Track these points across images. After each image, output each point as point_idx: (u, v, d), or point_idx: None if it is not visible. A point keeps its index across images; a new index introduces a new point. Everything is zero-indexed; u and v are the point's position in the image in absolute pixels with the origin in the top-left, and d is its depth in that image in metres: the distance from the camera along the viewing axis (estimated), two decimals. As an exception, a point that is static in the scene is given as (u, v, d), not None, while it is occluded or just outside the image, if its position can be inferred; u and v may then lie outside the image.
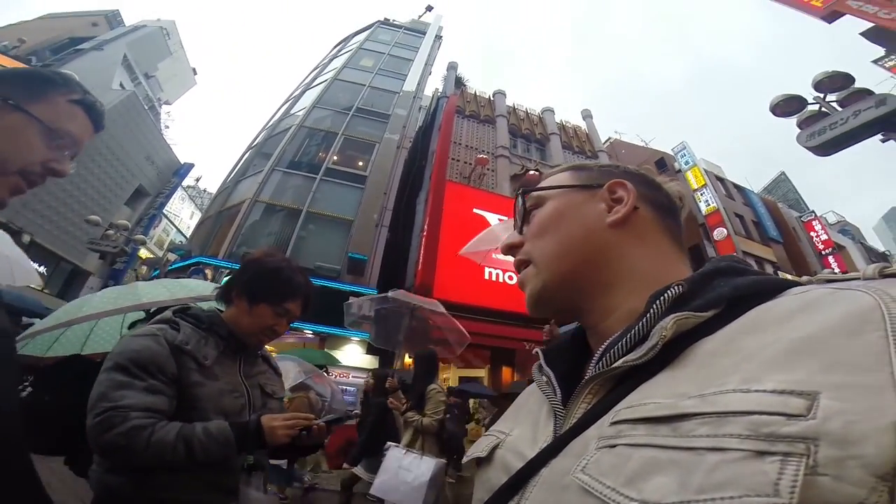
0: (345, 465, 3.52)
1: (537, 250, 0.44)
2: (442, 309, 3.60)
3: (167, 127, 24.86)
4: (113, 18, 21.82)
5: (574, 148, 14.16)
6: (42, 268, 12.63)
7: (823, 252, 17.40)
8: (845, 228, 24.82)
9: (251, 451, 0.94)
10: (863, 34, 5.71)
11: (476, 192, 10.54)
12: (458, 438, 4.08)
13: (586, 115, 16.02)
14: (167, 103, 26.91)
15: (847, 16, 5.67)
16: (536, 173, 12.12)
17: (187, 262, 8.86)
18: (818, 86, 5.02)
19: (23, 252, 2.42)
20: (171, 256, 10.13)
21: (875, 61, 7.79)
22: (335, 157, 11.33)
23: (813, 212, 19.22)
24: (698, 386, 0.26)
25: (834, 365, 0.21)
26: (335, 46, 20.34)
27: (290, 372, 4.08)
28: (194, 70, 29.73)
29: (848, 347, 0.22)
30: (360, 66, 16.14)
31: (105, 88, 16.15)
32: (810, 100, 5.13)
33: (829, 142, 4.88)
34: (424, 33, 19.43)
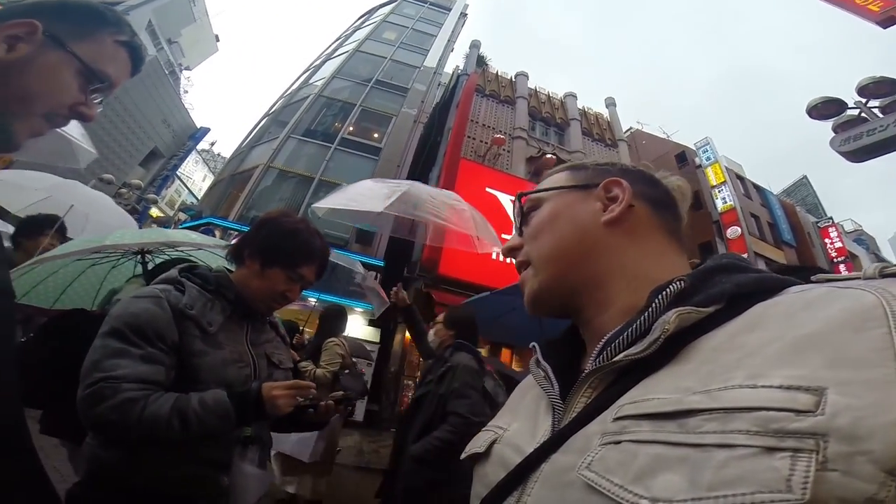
0: None
1: (534, 251, 0.44)
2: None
3: (186, 92, 24.82)
4: (142, -17, 21.47)
5: (594, 135, 13.86)
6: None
7: (835, 259, 17.12)
8: (861, 238, 24.28)
9: (250, 423, 0.89)
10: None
11: (490, 172, 10.44)
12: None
13: (609, 103, 15.60)
14: (188, 69, 26.76)
15: None
16: (553, 157, 11.95)
17: (197, 223, 8.98)
18: (862, 90, 4.84)
19: (85, 133, 2.43)
20: (182, 216, 10.28)
21: (930, 70, 7.49)
22: (351, 128, 11.29)
23: (830, 218, 18.81)
24: (702, 381, 0.26)
25: (839, 360, 0.21)
26: (359, 18, 19.99)
27: None
28: (217, 37, 29.41)
29: (852, 343, 0.22)
30: (382, 39, 15.91)
31: None
32: (850, 104, 4.97)
33: (863, 148, 4.73)
34: (449, 10, 18.94)
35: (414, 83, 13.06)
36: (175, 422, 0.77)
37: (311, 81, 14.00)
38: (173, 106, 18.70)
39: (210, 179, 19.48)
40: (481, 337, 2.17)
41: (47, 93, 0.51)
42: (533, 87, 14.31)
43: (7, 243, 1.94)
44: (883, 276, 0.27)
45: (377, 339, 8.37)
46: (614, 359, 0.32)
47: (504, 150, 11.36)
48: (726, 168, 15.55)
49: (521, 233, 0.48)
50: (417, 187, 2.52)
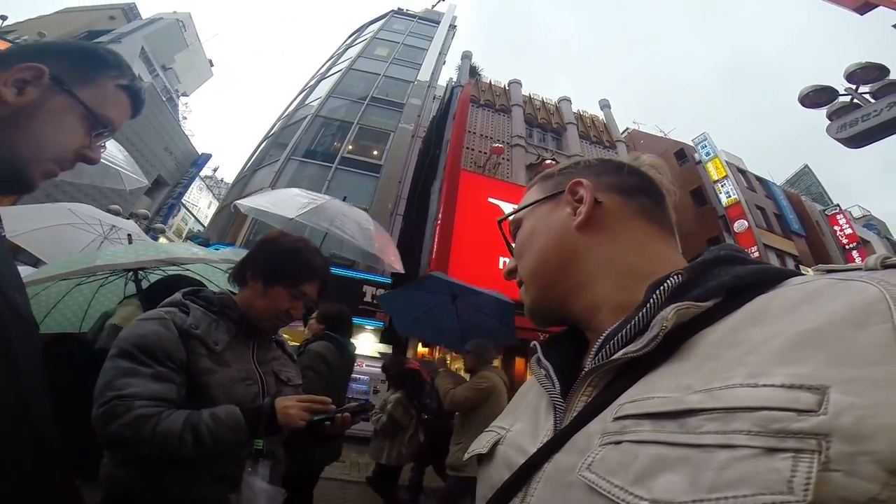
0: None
1: (522, 269, 0.45)
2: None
3: (185, 118, 25.27)
4: (129, 11, 22.08)
5: (591, 138, 13.90)
6: (67, 254, 13.06)
7: (847, 246, 16.90)
8: (870, 223, 23.96)
9: (263, 437, 0.89)
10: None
11: (491, 181, 10.45)
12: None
13: (604, 105, 15.69)
14: (184, 94, 27.27)
15: (879, 8, 5.36)
16: (553, 162, 11.96)
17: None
18: (851, 77, 4.82)
19: (131, 158, 2.47)
20: (190, 244, 10.35)
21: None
22: (350, 147, 11.36)
23: (837, 205, 18.63)
24: (703, 379, 0.25)
25: (842, 358, 0.21)
26: (350, 36, 20.31)
27: None
28: (210, 62, 30.06)
29: (855, 340, 0.21)
30: (374, 56, 16.11)
31: None
32: (841, 91, 4.96)
33: (860, 134, 4.70)
34: (438, 22, 19.23)
35: (409, 98, 13.17)
36: (188, 436, 0.77)
37: (307, 102, 14.14)
38: (174, 133, 18.97)
39: (215, 206, 19.70)
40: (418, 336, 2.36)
41: (54, 137, 0.52)
42: (527, 94, 14.43)
43: None
44: (885, 266, 0.26)
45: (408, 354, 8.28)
46: (613, 357, 0.31)
47: (504, 158, 11.40)
48: (726, 162, 15.53)
49: (512, 254, 0.49)
50: (334, 203, 2.83)
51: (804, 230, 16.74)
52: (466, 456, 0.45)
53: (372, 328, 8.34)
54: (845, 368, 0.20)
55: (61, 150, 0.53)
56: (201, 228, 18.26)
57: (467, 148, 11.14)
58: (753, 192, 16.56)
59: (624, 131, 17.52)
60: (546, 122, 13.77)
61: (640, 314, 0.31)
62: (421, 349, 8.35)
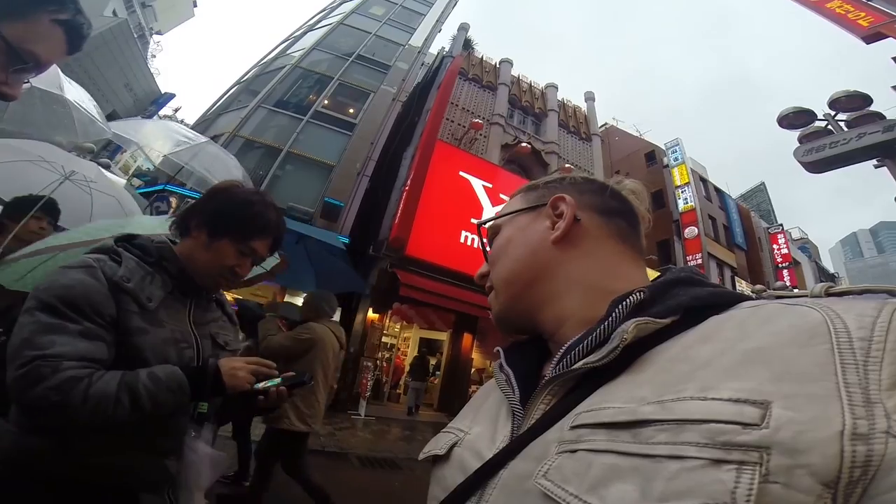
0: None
1: (495, 276, 0.46)
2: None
3: (154, 56, 23.18)
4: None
5: (570, 127, 14.09)
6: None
7: (780, 265, 18.39)
8: (805, 246, 26.14)
9: (207, 398, 0.83)
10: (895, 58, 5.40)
11: (465, 155, 10.47)
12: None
13: (589, 98, 15.83)
14: (158, 33, 24.92)
15: (885, 40, 5.20)
16: (528, 146, 12.11)
17: (152, 189, 8.58)
18: (834, 103, 4.92)
19: (99, 108, 2.40)
20: (136, 182, 9.75)
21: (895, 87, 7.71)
22: (326, 101, 10.95)
23: (781, 225, 20.11)
24: (657, 391, 0.26)
25: (784, 375, 0.22)
26: (348, -11, 19.01)
27: None
28: (195, 2, 27.42)
29: (797, 358, 0.23)
30: (369, 14, 15.35)
31: (94, 16, 15.08)
32: (820, 116, 5.06)
33: (824, 160, 4.86)
34: (443, -12, 18.34)
35: (397, 61, 12.74)
36: (124, 398, 0.70)
37: (288, 52, 13.42)
38: (138, 70, 17.70)
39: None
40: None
41: None
42: (516, 74, 14.31)
43: None
44: (828, 295, 0.30)
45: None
46: (573, 366, 0.33)
47: (481, 135, 11.40)
48: (691, 170, 16.21)
49: (487, 259, 0.49)
50: (210, 147, 2.92)
51: (746, 244, 17.99)
52: (422, 455, 0.44)
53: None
54: (787, 384, 0.22)
55: None
56: (150, 167, 17.11)
57: (447, 119, 11.03)
58: (710, 201, 17.49)
59: (602, 126, 17.86)
60: (529, 105, 13.80)
61: (602, 326, 0.33)
62: (369, 316, 8.42)
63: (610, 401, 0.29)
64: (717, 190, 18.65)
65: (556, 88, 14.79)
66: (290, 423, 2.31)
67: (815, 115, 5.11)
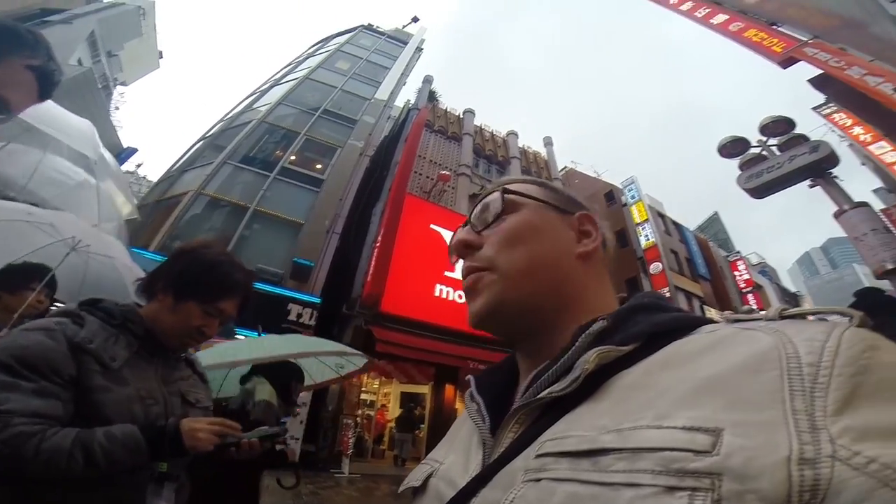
0: None
1: (504, 260, 0.41)
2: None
3: (117, 108, 22.99)
4: (91, -9, 19.98)
5: (532, 173, 14.78)
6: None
7: (744, 290, 19.35)
8: (764, 270, 27.82)
9: (167, 458, 0.84)
10: (810, 81, 5.85)
11: (434, 208, 10.65)
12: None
13: (547, 143, 16.81)
14: (123, 84, 24.97)
15: (801, 63, 5.56)
16: (494, 194, 12.48)
17: None
18: (763, 129, 5.19)
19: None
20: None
21: (815, 108, 8.07)
22: (293, 157, 10.95)
23: (738, 252, 21.41)
24: (616, 420, 0.27)
25: (736, 402, 0.23)
26: (313, 45, 19.86)
27: None
28: (161, 53, 27.92)
29: (748, 386, 0.23)
30: (334, 68, 15.89)
31: (61, 64, 14.97)
32: (754, 143, 5.34)
33: (764, 185, 5.07)
34: (406, 43, 19.53)
35: (363, 115, 13.08)
36: (78, 454, 0.71)
37: (254, 106, 13.50)
38: (100, 122, 17.22)
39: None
40: None
41: None
42: (479, 124, 15.08)
43: None
44: (783, 317, 0.30)
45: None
46: (539, 395, 0.33)
47: (449, 186, 11.70)
48: (649, 206, 17.20)
49: (478, 229, 0.44)
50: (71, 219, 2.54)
51: (710, 274, 18.92)
52: (402, 488, 0.44)
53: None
54: (738, 412, 0.22)
55: None
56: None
57: (415, 172, 11.29)
58: (669, 235, 18.49)
59: (562, 169, 18.85)
60: (493, 153, 14.44)
61: (567, 356, 0.33)
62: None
63: (573, 429, 0.29)
64: (676, 224, 19.80)
65: (517, 136, 15.65)
66: None
67: (749, 143, 5.38)
